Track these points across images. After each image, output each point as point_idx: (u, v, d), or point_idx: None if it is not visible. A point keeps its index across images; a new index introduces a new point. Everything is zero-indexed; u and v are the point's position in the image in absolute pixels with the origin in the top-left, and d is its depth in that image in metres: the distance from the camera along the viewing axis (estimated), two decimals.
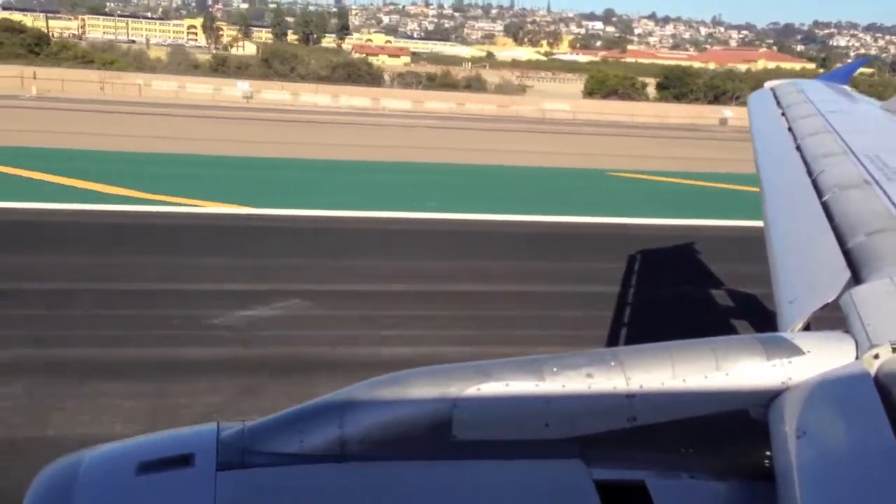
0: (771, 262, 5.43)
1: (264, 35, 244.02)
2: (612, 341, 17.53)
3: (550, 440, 3.32)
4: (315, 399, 3.43)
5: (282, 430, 3.30)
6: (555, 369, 3.37)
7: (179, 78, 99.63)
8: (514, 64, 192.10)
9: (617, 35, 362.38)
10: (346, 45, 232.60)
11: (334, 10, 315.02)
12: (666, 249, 27.24)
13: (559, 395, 3.31)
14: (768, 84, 12.70)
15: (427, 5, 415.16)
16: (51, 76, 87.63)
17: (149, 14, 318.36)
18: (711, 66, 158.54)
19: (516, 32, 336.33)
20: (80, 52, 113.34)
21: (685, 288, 22.82)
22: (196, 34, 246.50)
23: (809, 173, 6.95)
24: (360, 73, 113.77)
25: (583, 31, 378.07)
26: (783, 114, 10.14)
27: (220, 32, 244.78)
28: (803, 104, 10.16)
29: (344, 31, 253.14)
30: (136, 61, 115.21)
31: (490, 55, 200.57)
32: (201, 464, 3.18)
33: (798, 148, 8.06)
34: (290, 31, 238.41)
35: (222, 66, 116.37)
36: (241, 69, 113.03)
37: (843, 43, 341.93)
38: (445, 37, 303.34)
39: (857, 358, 3.44)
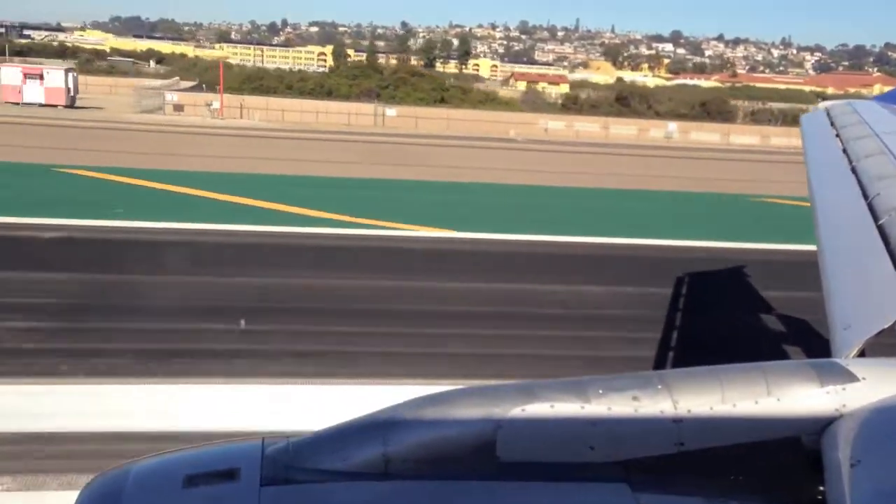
0: (825, 286, 5.32)
1: (390, 61, 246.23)
2: (659, 365, 17.29)
3: (596, 463, 3.28)
4: (359, 416, 3.44)
5: (326, 447, 3.32)
6: (600, 391, 3.34)
7: (560, 117, 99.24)
8: (672, 91, 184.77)
9: (687, 56, 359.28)
10: (470, 69, 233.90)
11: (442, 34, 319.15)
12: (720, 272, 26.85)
13: (605, 417, 3.27)
14: (822, 105, 12.52)
15: (493, 27, 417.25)
16: (466, 117, 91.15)
17: (273, 42, 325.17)
18: (830, 90, 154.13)
19: (616, 56, 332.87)
20: (478, 95, 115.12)
21: (735, 312, 22.40)
22: (325, 60, 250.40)
23: (865, 196, 6.80)
24: (720, 110, 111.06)
25: (653, 52, 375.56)
26: (837, 135, 9.97)
27: (348, 59, 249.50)
28: (858, 125, 9.97)
29: (465, 55, 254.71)
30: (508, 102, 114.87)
31: (620, 80, 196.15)
32: (246, 479, 3.21)
33: (853, 170, 7.89)
34: (412, 57, 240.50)
35: (573, 104, 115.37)
36: (595, 107, 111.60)
37: None
38: (518, 59, 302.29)
39: None
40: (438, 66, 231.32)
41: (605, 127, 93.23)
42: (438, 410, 3.32)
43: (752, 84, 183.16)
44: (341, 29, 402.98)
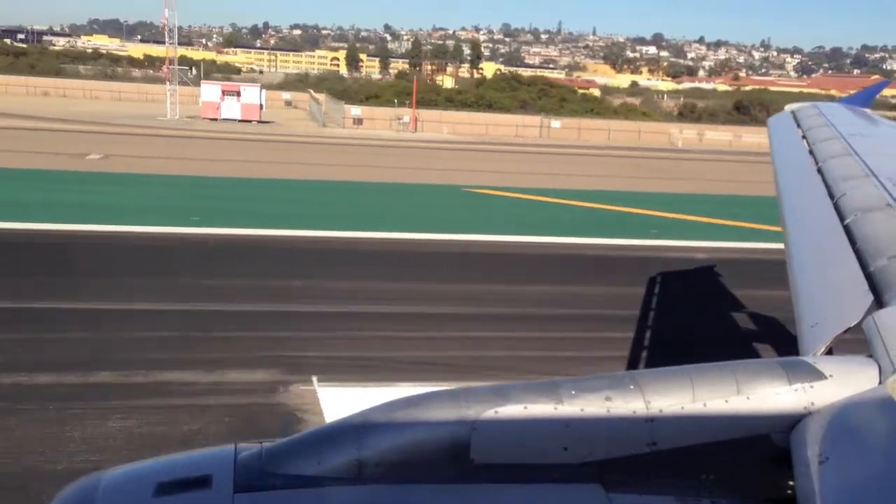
0: (792, 285, 5.38)
1: (400, 65, 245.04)
2: (632, 365, 17.42)
3: (569, 464, 3.30)
4: (333, 421, 3.44)
5: (299, 453, 3.30)
6: (573, 392, 3.35)
7: (691, 126, 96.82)
8: (691, 94, 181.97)
9: (669, 58, 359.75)
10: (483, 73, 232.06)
11: (450, 40, 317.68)
12: (688, 272, 27.12)
13: (578, 418, 3.29)
14: (788, 107, 12.62)
15: (477, 30, 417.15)
16: (622, 128, 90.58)
17: (259, 44, 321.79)
18: (833, 92, 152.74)
19: (615, 60, 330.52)
20: (592, 103, 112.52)
21: (706, 311, 22.63)
22: (338, 65, 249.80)
23: (831, 196, 6.89)
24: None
25: (637, 55, 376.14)
26: (804, 137, 10.08)
27: (361, 63, 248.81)
28: (824, 127, 10.09)
29: (478, 59, 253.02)
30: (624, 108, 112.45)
31: (635, 84, 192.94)
32: (219, 486, 3.18)
33: (819, 171, 8.01)
34: (425, 62, 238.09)
35: (690, 113, 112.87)
36: (712, 116, 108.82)
37: (895, 67, 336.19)
38: (512, 62, 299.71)
39: (880, 383, 3.40)
40: (449, 71, 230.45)
41: (737, 136, 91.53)
42: (411, 413, 3.32)
43: (763, 88, 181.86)
44: (324, 32, 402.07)
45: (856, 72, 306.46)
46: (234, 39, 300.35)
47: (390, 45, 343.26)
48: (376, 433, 3.27)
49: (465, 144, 73.30)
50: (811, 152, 9.02)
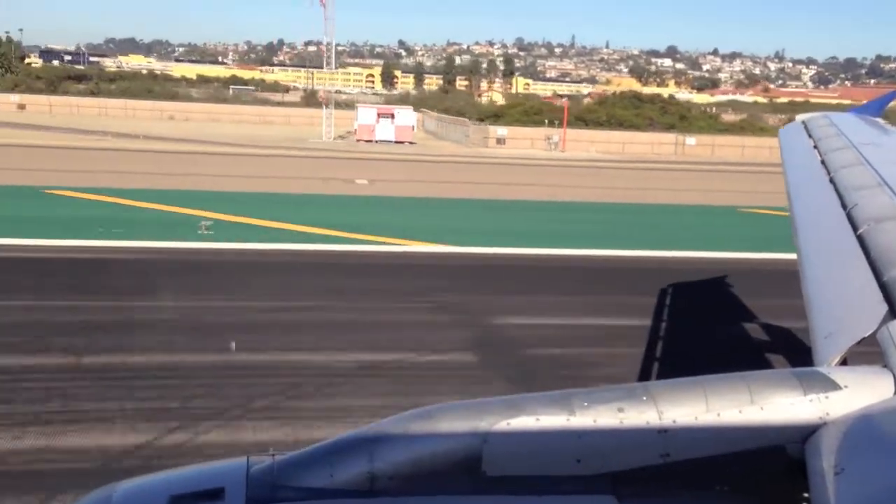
0: (805, 295, 5.35)
1: (434, 81, 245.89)
2: (644, 376, 17.19)
3: (582, 476, 3.29)
4: (345, 433, 3.43)
5: (312, 465, 3.30)
6: (585, 404, 3.35)
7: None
8: (733, 106, 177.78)
9: (686, 70, 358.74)
10: (520, 89, 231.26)
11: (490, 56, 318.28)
12: (700, 282, 26.86)
13: (590, 430, 3.28)
14: (800, 117, 12.59)
15: (491, 45, 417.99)
16: (756, 144, 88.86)
17: (286, 61, 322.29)
18: (864, 102, 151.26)
19: (641, 73, 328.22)
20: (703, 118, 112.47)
21: (719, 321, 22.31)
22: (373, 82, 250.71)
23: (843, 206, 6.85)
24: None
25: (652, 67, 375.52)
26: (815, 147, 10.03)
27: (396, 80, 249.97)
28: (836, 137, 10.04)
29: (510, 74, 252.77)
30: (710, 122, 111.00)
31: (671, 97, 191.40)
32: (231, 498, 3.19)
33: (831, 181, 7.96)
34: (458, 77, 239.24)
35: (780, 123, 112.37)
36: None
37: None
38: (535, 76, 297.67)
39: (895, 393, 3.37)
40: (483, 86, 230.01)
41: None
42: (424, 426, 3.32)
43: (804, 99, 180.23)
44: (339, 49, 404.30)
45: (871, 82, 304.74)
46: (268, 58, 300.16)
47: (404, 60, 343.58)
48: (389, 446, 3.27)
49: (650, 164, 73.82)
50: (823, 162, 8.98)
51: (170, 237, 29.81)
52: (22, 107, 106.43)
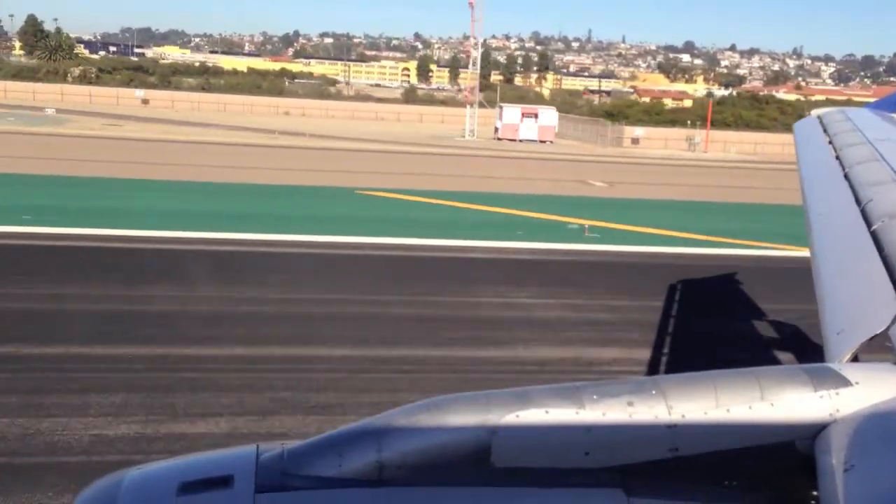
0: (818, 292, 5.33)
1: (469, 76, 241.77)
2: (653, 370, 17.30)
3: (590, 469, 3.28)
4: (354, 423, 3.45)
5: (320, 454, 3.31)
6: (595, 397, 3.34)
7: None
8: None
9: (705, 66, 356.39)
10: (551, 84, 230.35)
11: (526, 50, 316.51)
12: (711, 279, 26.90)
13: (599, 423, 3.28)
14: (815, 112, 12.53)
15: (507, 38, 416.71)
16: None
17: (320, 53, 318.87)
18: None
19: (669, 70, 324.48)
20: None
21: (727, 318, 22.34)
22: (409, 76, 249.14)
23: (858, 202, 6.82)
24: None
25: (679, 64, 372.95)
26: (830, 142, 9.98)
27: (431, 74, 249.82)
28: (851, 132, 9.98)
29: (545, 70, 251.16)
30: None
31: (709, 94, 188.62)
32: (240, 486, 3.20)
33: (846, 176, 7.92)
34: (492, 72, 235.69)
35: None
36: None
37: None
38: (557, 71, 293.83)
39: None
40: (518, 81, 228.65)
41: None
42: (433, 417, 3.32)
43: (847, 98, 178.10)
44: (356, 41, 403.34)
45: (892, 79, 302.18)
46: (304, 51, 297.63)
47: (421, 53, 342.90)
48: (398, 436, 3.27)
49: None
50: (838, 157, 8.94)
51: (552, 238, 31.90)
52: (146, 102, 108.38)
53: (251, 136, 73.51)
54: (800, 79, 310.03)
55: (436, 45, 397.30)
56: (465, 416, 3.30)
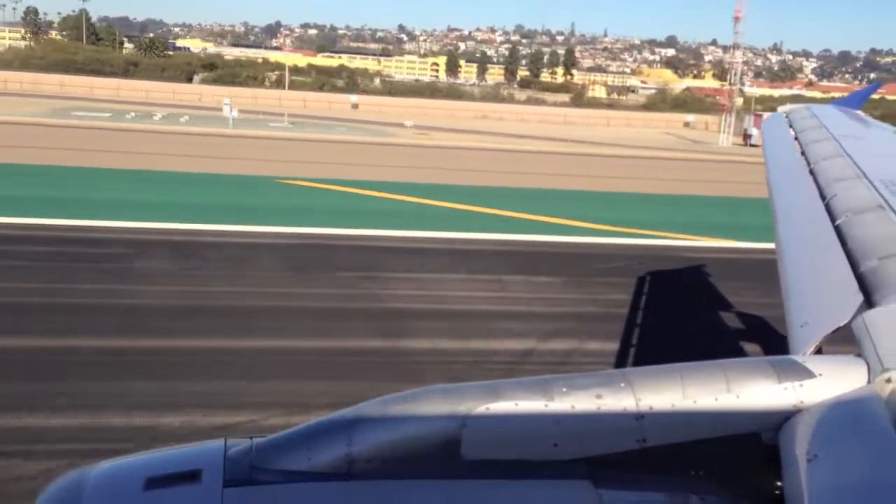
0: (783, 284, 5.40)
1: (497, 71, 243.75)
2: (621, 363, 17.38)
3: (559, 461, 3.31)
4: (323, 417, 3.43)
5: (290, 448, 3.31)
6: (564, 389, 3.36)
7: None
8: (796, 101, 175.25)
9: (689, 60, 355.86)
10: (572, 78, 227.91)
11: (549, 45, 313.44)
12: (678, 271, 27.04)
13: (568, 415, 3.30)
14: (782, 109, 12.66)
15: (492, 31, 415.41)
16: None
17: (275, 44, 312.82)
18: None
19: (677, 65, 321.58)
20: None
21: (694, 310, 22.52)
22: (437, 71, 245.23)
23: (822, 197, 6.94)
24: None
25: (657, 57, 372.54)
26: (796, 138, 10.10)
27: (459, 69, 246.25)
28: (817, 129, 10.12)
29: (572, 66, 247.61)
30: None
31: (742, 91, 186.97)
32: (208, 480, 3.19)
33: (811, 172, 8.06)
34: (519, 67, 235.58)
35: None
36: None
37: None
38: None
39: (869, 382, 3.41)
40: (545, 77, 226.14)
41: None
42: (403, 409, 3.33)
43: (880, 96, 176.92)
44: (340, 32, 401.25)
45: (872, 75, 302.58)
46: (328, 46, 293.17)
47: (406, 45, 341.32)
48: (367, 429, 3.28)
49: None
50: (804, 153, 9.06)
51: None
52: (355, 106, 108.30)
53: (555, 146, 74.36)
54: (812, 76, 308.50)
55: (421, 38, 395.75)
56: (436, 409, 3.31)
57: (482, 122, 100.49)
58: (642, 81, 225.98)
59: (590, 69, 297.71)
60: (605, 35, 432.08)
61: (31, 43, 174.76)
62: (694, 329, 20.23)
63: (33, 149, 50.69)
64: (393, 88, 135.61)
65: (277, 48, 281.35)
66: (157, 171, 45.12)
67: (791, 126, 10.99)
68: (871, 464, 2.91)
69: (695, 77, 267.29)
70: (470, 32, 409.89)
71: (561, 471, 3.31)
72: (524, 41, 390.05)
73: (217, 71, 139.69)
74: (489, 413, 3.29)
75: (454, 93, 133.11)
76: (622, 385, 3.39)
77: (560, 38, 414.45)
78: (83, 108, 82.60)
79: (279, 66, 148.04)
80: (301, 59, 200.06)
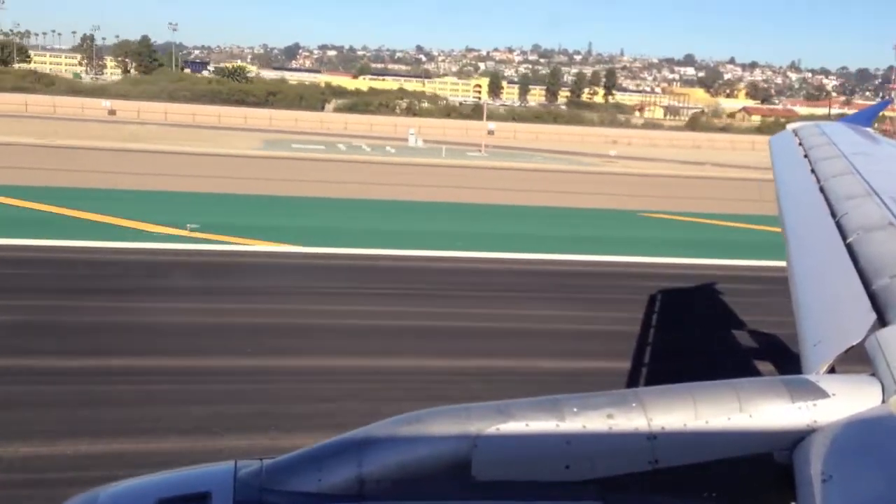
0: (795, 303, 5.38)
1: (538, 93, 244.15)
2: (633, 382, 17.30)
3: (571, 482, 3.29)
4: (334, 437, 3.42)
5: (300, 469, 3.29)
6: (575, 410, 3.35)
7: None
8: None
9: (705, 79, 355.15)
10: (614, 99, 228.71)
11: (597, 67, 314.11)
12: (688, 289, 26.93)
13: (580, 435, 3.28)
14: (791, 126, 12.64)
15: (510, 51, 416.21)
16: None
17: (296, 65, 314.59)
18: None
19: (711, 84, 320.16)
20: None
21: (707, 328, 22.48)
22: (480, 92, 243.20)
23: (833, 215, 6.92)
24: None
25: (676, 76, 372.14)
26: (806, 156, 10.09)
27: (501, 90, 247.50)
28: (826, 146, 10.10)
29: (612, 87, 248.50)
30: None
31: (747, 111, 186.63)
32: (218, 502, 3.18)
33: (821, 190, 8.04)
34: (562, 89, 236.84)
35: None
36: None
37: None
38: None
39: (883, 401, 3.39)
40: (585, 97, 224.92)
41: None
42: (413, 430, 3.31)
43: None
44: (359, 53, 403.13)
45: (894, 93, 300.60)
46: (367, 69, 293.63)
47: (425, 66, 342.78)
48: (378, 450, 3.26)
49: None
50: (813, 171, 9.05)
51: None
52: (491, 133, 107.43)
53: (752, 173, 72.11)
54: (844, 95, 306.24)
55: (439, 58, 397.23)
56: (446, 429, 3.30)
57: (628, 148, 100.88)
58: (677, 101, 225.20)
59: (624, 89, 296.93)
60: (622, 54, 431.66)
61: (113, 70, 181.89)
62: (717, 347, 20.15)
63: (307, 182, 53.12)
64: (516, 114, 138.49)
65: (316, 70, 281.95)
66: (474, 203, 47.55)
67: (801, 143, 10.99)
68: (886, 484, 2.88)
69: (728, 96, 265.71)
70: (488, 53, 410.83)
71: (572, 492, 3.28)
72: (542, 60, 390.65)
73: (350, 99, 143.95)
74: (500, 433, 3.27)
75: (575, 118, 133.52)
76: (634, 405, 3.37)
77: (577, 58, 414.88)
78: (295, 141, 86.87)
79: (358, 92, 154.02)
80: (349, 82, 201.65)
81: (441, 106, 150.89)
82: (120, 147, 68.08)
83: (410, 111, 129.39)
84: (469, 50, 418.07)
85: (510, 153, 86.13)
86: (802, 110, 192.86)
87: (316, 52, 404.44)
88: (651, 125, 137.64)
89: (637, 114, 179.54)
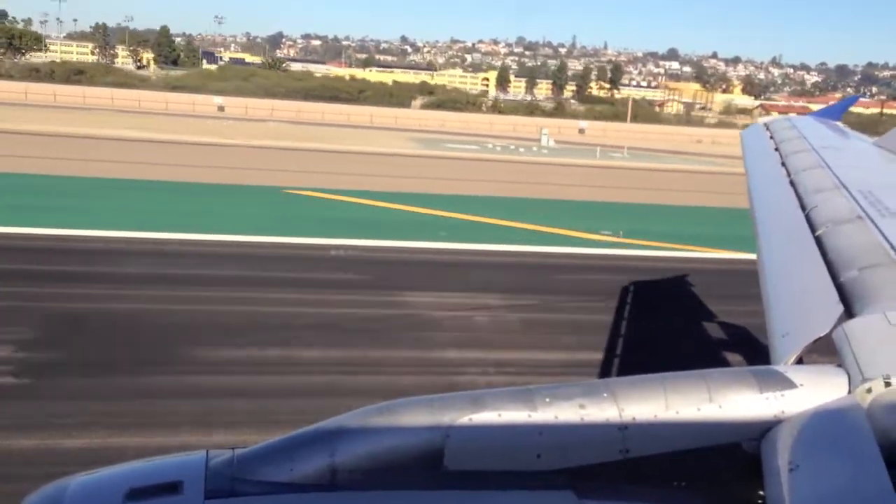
0: (764, 295, 5.43)
1: (545, 86, 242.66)
2: (605, 373, 17.37)
3: (542, 471, 3.31)
4: (306, 427, 3.41)
5: (272, 459, 3.29)
6: (547, 400, 3.36)
7: None
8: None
9: (691, 74, 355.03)
10: (619, 94, 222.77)
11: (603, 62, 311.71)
12: (658, 281, 26.95)
13: (551, 425, 3.30)
14: (762, 120, 12.76)
15: (496, 43, 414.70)
16: None
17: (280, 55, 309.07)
18: None
19: (708, 80, 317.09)
20: None
21: (676, 320, 22.55)
22: (488, 85, 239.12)
23: (803, 208, 7.01)
24: None
25: (661, 70, 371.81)
26: (777, 149, 10.17)
27: (509, 84, 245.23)
28: (797, 140, 10.20)
29: (617, 81, 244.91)
30: None
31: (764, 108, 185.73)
32: (189, 492, 3.16)
33: (791, 183, 8.14)
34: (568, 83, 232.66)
35: None
36: None
37: None
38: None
39: (849, 392, 3.43)
40: (596, 92, 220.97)
41: None
42: (386, 420, 3.32)
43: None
44: (345, 43, 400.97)
45: (874, 89, 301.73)
46: (372, 61, 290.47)
47: (411, 57, 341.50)
48: (350, 440, 3.27)
49: None
50: (784, 164, 9.13)
51: None
52: (582, 131, 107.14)
53: None
54: (828, 91, 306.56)
55: (425, 49, 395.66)
56: (419, 419, 3.30)
57: (719, 147, 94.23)
58: (672, 94, 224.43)
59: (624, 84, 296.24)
60: (606, 47, 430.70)
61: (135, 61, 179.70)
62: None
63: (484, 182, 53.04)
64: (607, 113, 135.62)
65: (321, 62, 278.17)
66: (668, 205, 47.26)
67: (771, 137, 11.08)
68: (851, 473, 2.93)
69: (723, 91, 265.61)
70: (473, 44, 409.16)
71: (544, 481, 3.30)
72: (528, 53, 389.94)
73: (436, 96, 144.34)
74: (472, 423, 3.28)
75: (649, 116, 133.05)
76: (605, 395, 3.40)
77: (562, 51, 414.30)
78: (449, 142, 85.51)
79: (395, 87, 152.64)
80: (359, 74, 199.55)
81: (523, 103, 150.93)
82: (344, 150, 67.22)
83: (496, 108, 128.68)
84: (454, 41, 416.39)
85: (640, 154, 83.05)
86: (813, 106, 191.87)
87: (300, 41, 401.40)
88: (723, 124, 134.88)
89: (658, 109, 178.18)
